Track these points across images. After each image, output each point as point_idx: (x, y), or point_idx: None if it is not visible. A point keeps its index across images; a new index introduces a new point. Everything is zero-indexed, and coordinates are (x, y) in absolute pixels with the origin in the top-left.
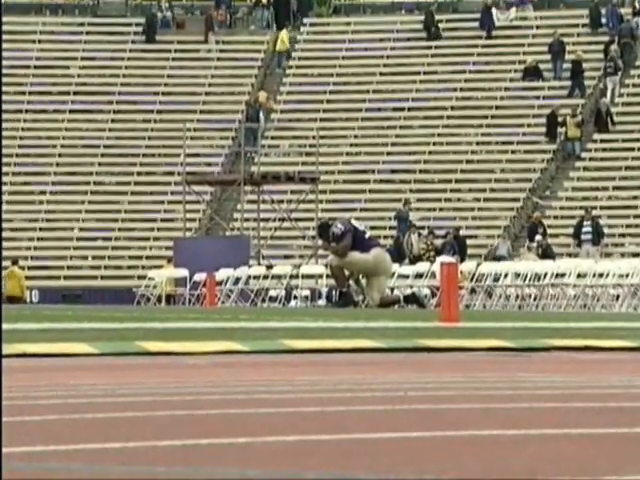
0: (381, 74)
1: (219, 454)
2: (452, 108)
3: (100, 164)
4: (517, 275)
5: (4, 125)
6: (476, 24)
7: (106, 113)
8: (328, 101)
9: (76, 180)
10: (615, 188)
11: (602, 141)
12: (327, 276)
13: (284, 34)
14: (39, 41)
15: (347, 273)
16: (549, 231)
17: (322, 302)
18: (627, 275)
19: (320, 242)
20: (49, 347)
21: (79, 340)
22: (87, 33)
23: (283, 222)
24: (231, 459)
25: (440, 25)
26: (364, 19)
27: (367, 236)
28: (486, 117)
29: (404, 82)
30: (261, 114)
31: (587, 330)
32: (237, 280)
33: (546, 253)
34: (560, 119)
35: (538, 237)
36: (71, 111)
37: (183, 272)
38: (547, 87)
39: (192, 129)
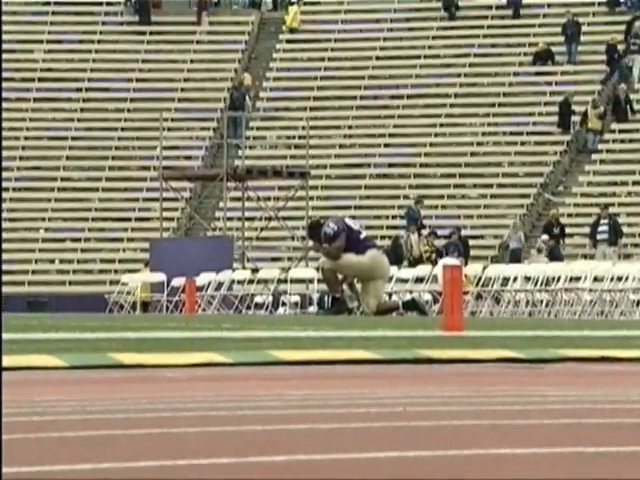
0: (377, 58)
1: (199, 476)
2: (455, 95)
3: (68, 158)
4: (527, 279)
5: None
6: (482, 2)
7: (74, 101)
8: (319, 88)
9: (41, 175)
10: (635, 183)
11: (621, 131)
12: (318, 280)
13: (296, 10)
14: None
15: (340, 277)
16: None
17: (313, 309)
18: None
19: (311, 243)
20: (13, 360)
21: (46, 352)
22: (53, 13)
23: (270, 221)
24: None
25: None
26: None
27: (362, 236)
28: (493, 105)
29: (403, 67)
30: (247, 99)
31: (604, 339)
32: (219, 285)
33: (553, 255)
34: (574, 107)
35: (544, 237)
36: (36, 99)
37: (160, 277)
38: (560, 72)
39: (170, 119)
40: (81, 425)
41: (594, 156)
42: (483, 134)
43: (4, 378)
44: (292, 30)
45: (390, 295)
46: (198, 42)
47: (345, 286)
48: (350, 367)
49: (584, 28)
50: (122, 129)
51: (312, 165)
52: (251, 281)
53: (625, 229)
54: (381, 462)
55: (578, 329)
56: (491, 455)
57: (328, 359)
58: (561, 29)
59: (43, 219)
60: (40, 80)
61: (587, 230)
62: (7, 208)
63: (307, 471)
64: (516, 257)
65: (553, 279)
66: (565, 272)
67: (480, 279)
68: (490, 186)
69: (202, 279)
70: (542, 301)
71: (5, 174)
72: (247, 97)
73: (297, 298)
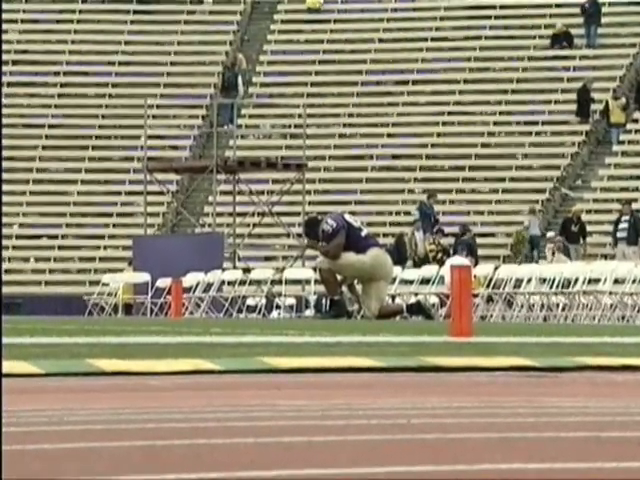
0: (380, 40)
1: None
2: (465, 81)
3: (44, 147)
4: (542, 280)
5: None
6: None
7: (51, 86)
8: (317, 73)
9: (15, 166)
10: None
11: None
12: (316, 281)
13: None
14: None
15: (340, 278)
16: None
17: (310, 312)
18: None
19: (307, 241)
20: None
21: (20, 358)
22: None
23: (263, 217)
24: None
25: None
26: None
27: (363, 234)
28: (506, 92)
29: (408, 50)
30: (240, 81)
31: (625, 346)
32: (208, 286)
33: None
34: (594, 95)
35: (550, 234)
36: (10, 84)
37: (144, 277)
38: (579, 56)
39: (155, 106)
40: (59, 437)
41: (615, 148)
42: (495, 123)
43: None
44: (312, 10)
45: (393, 297)
46: (186, 22)
47: (344, 288)
48: (350, 375)
49: (604, 9)
50: (103, 116)
51: (309, 156)
52: (243, 282)
53: None
54: (383, 478)
55: (597, 335)
56: (502, 470)
57: (326, 367)
58: (580, 9)
59: (17, 214)
60: (14, 63)
61: (607, 228)
62: None
63: None
64: (535, 245)
65: (570, 281)
66: (584, 273)
67: (491, 280)
68: (502, 180)
69: (189, 279)
70: (558, 305)
71: None
72: (240, 78)
73: (292, 300)
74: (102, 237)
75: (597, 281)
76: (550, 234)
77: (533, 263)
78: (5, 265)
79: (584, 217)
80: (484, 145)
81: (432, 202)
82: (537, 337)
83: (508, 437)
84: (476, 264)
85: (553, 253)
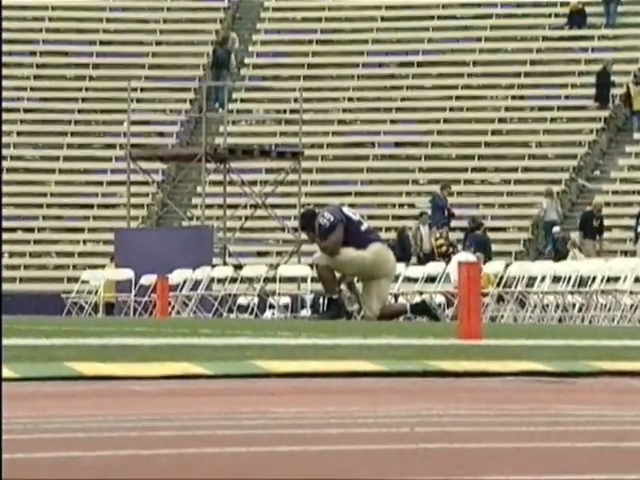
0: (383, 19)
1: None
2: (474, 63)
3: (19, 133)
4: (557, 279)
5: None
6: None
7: (27, 67)
8: (314, 53)
9: None
10: None
11: None
12: (312, 279)
13: None
14: None
15: (338, 275)
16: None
17: (306, 313)
18: None
19: (308, 235)
20: None
21: None
22: None
23: (256, 209)
24: None
25: None
26: None
27: (364, 228)
28: (518, 75)
29: (412, 29)
30: (233, 59)
31: None
32: (196, 284)
33: (558, 251)
34: (614, 78)
35: (556, 229)
36: None
37: (127, 273)
38: (597, 36)
39: (139, 89)
40: (35, 446)
41: (636, 135)
42: (507, 109)
43: None
44: None
45: (396, 297)
46: None
47: (343, 286)
48: (349, 380)
49: None
50: (83, 100)
51: (305, 144)
52: (233, 279)
53: None
54: None
55: (616, 338)
56: None
57: (323, 371)
58: None
59: None
60: None
61: (627, 222)
62: None
63: None
64: (553, 231)
65: (587, 279)
66: (602, 271)
67: (502, 279)
68: (514, 170)
69: (176, 277)
70: (574, 305)
71: None
72: (233, 56)
73: (287, 300)
74: (82, 230)
75: (616, 279)
76: (556, 229)
77: (548, 256)
78: None
79: (603, 210)
80: (495, 132)
81: (446, 194)
82: (551, 340)
83: (520, 447)
84: (488, 260)
85: (560, 252)
